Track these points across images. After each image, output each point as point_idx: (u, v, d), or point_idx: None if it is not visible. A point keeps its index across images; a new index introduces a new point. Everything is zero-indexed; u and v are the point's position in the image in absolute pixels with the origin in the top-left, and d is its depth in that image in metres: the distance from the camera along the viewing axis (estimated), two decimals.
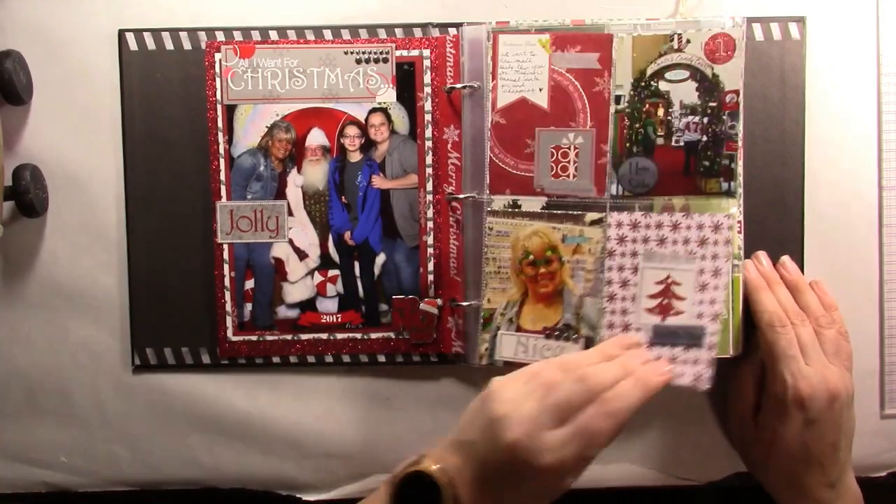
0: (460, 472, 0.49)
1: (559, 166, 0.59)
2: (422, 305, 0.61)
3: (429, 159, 0.61)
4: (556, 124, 0.58)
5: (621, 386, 0.50)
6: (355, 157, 0.61)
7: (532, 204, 0.59)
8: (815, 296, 0.59)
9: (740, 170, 0.58)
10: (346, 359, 0.62)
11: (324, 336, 0.62)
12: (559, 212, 0.59)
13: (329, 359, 0.62)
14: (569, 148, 0.59)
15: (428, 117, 0.61)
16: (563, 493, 0.50)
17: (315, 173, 0.61)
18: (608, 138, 0.58)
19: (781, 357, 0.55)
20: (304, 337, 0.62)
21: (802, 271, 0.61)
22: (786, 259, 0.61)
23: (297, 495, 0.64)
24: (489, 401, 0.50)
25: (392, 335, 0.62)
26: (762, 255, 0.60)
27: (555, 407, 0.48)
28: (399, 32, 0.61)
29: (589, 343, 0.59)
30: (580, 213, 0.59)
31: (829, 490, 0.56)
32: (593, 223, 0.59)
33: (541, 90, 0.58)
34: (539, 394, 0.49)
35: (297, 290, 0.62)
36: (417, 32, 0.61)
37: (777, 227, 0.61)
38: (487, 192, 0.59)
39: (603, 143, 0.58)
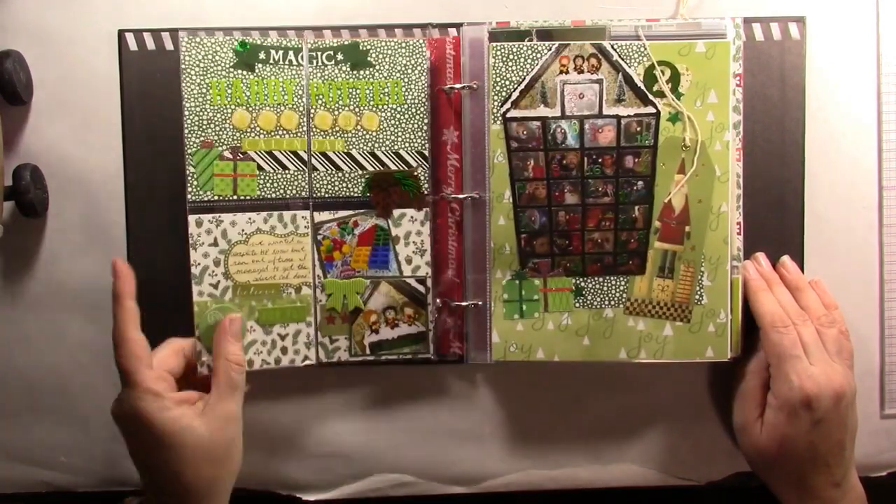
0: None
1: None
2: None
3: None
4: None
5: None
6: None
7: None
8: (815, 295, 0.59)
9: None
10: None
11: None
12: None
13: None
14: None
15: (427, 119, 0.61)
16: None
17: None
18: None
19: (785, 358, 0.55)
20: None
21: (802, 271, 0.61)
22: (786, 259, 0.61)
23: (297, 495, 0.64)
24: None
25: None
26: (761, 257, 0.60)
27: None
28: (399, 33, 0.61)
29: None
30: None
31: (835, 489, 0.56)
32: None
33: None
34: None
35: None
36: (417, 33, 0.61)
37: (777, 227, 0.61)
38: (489, 191, 0.59)
39: None
